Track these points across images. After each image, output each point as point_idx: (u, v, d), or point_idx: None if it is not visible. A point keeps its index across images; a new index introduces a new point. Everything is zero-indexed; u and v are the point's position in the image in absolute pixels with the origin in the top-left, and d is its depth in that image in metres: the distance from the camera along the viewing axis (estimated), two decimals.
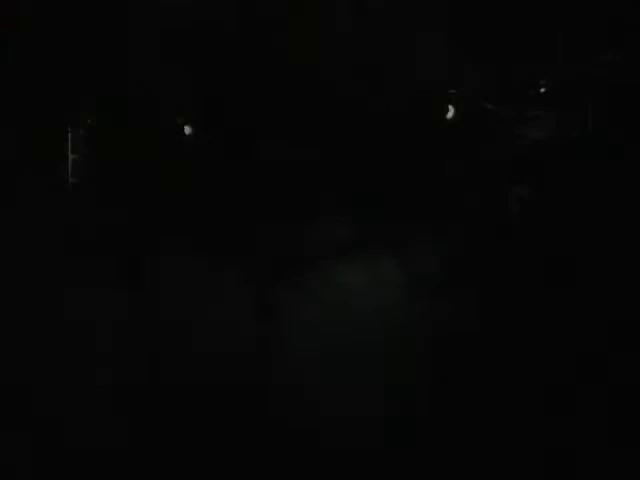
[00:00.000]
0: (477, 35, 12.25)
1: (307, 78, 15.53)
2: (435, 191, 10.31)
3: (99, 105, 16.61)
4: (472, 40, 12.67)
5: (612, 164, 10.61)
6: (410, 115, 14.80)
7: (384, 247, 6.44)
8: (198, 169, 17.10)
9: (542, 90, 12.53)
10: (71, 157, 17.99)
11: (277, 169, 14.98)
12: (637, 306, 5.58)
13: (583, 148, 12.21)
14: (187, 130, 19.69)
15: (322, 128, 15.97)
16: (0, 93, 12.39)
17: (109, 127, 16.86)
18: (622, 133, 10.47)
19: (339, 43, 13.52)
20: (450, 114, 15.14)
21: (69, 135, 17.53)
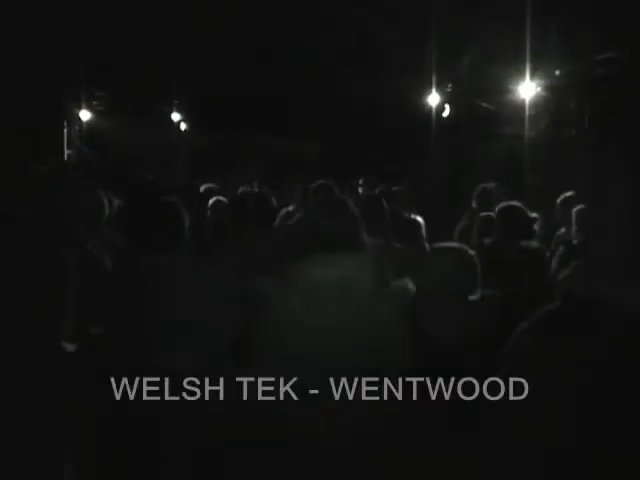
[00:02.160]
0: (476, 34, 12.24)
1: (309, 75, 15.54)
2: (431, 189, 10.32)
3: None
4: (469, 39, 12.66)
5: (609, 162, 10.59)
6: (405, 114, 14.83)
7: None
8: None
9: (538, 89, 12.52)
10: (67, 152, 18.01)
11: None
12: None
13: (579, 147, 12.22)
14: (182, 126, 19.72)
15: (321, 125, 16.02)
16: None
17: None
18: (620, 132, 10.44)
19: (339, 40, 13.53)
20: (445, 112, 15.16)
21: (65, 131, 17.56)
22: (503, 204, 6.13)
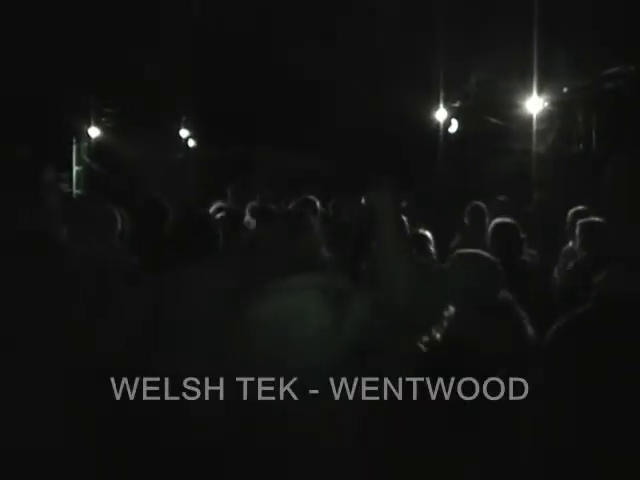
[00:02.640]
0: (483, 50, 12.28)
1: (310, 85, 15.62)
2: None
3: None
4: (477, 54, 12.70)
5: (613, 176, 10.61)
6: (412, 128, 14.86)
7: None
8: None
9: (545, 104, 12.53)
10: (75, 169, 18.09)
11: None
12: None
13: (585, 161, 12.22)
14: (191, 143, 19.81)
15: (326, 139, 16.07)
16: (5, 106, 12.42)
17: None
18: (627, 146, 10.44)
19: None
20: (454, 127, 15.19)
21: (73, 147, 17.65)
22: (496, 220, 6.14)
